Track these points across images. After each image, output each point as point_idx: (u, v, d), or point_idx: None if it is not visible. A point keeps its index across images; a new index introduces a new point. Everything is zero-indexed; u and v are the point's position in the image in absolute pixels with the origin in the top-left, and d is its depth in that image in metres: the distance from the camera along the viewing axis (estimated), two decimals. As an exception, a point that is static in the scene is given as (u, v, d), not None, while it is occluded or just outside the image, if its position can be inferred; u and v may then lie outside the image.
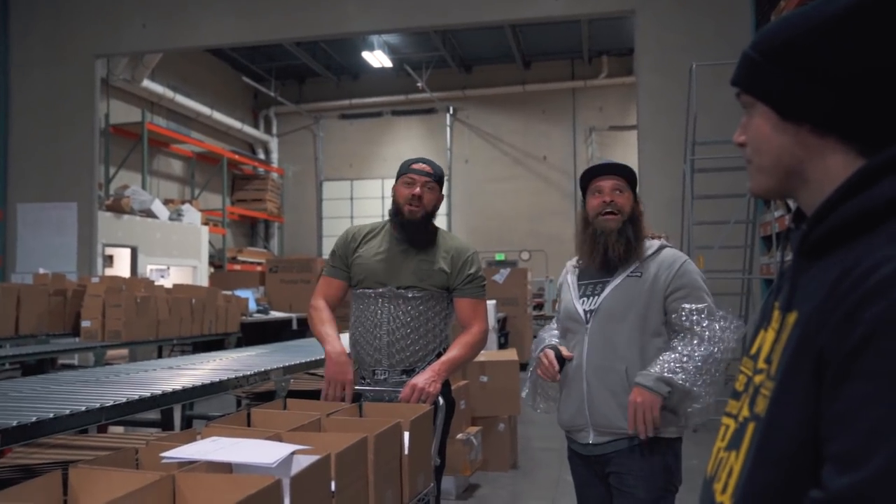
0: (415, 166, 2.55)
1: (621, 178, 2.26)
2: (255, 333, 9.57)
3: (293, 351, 4.83)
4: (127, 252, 12.38)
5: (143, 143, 14.37)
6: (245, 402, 4.55)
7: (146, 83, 14.74)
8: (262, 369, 3.49)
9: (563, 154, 19.78)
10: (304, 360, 3.94)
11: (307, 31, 10.38)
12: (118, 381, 3.08)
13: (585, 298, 2.26)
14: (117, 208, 11.77)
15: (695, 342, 2.12)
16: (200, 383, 3.04)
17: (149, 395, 2.70)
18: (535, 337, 2.50)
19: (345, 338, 2.61)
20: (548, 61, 19.22)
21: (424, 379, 2.34)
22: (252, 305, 9.86)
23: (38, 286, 7.17)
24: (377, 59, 16.86)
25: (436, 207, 2.57)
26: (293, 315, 10.29)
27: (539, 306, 14.99)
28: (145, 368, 3.73)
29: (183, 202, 15.03)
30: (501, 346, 8.45)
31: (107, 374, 3.41)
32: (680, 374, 2.08)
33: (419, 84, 18.39)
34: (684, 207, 6.90)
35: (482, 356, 4.85)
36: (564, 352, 2.25)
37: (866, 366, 0.71)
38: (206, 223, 15.05)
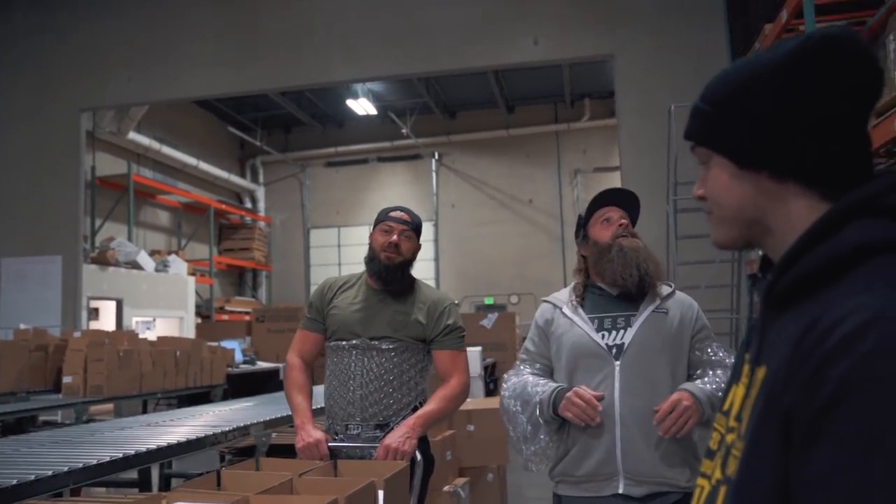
0: (392, 214, 2.54)
1: (626, 212, 2.29)
2: (242, 385, 9.42)
3: (278, 402, 4.74)
4: (112, 305, 12.25)
5: (130, 195, 14.36)
6: (228, 458, 4.45)
7: (132, 135, 14.78)
8: (241, 424, 3.41)
9: (549, 197, 19.89)
10: (286, 414, 3.86)
11: (292, 80, 10.46)
12: (93, 441, 3.00)
13: (605, 332, 2.15)
14: (102, 260, 11.70)
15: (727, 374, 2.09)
16: (177, 441, 2.96)
17: (121, 455, 2.63)
18: (509, 384, 2.31)
19: (319, 390, 2.56)
20: (531, 105, 19.45)
21: (398, 437, 2.27)
22: (238, 356, 9.74)
23: (18, 342, 7.06)
24: (362, 106, 17.03)
25: (413, 256, 2.55)
26: (280, 365, 10.17)
27: (529, 349, 14.83)
28: (124, 426, 3.64)
29: (169, 253, 14.96)
30: (490, 392, 8.35)
31: (82, 434, 3.32)
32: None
33: (404, 130, 18.55)
34: (668, 247, 6.92)
35: (469, 404, 4.78)
36: (589, 392, 2.09)
37: (836, 429, 0.68)
38: (192, 273, 14.97)
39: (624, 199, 2.30)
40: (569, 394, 2.09)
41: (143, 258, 12.80)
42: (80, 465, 2.42)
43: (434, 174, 20.18)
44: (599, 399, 2.08)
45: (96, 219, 14.04)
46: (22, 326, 8.03)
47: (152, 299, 12.86)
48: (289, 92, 17.39)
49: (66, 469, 2.34)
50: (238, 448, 4.09)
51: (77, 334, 7.07)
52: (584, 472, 2.11)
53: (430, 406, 2.41)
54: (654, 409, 2.05)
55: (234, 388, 9.08)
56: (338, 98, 17.51)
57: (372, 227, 2.58)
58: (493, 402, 4.86)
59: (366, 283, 2.54)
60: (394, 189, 20.22)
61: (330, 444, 2.33)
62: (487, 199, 19.92)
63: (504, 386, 2.33)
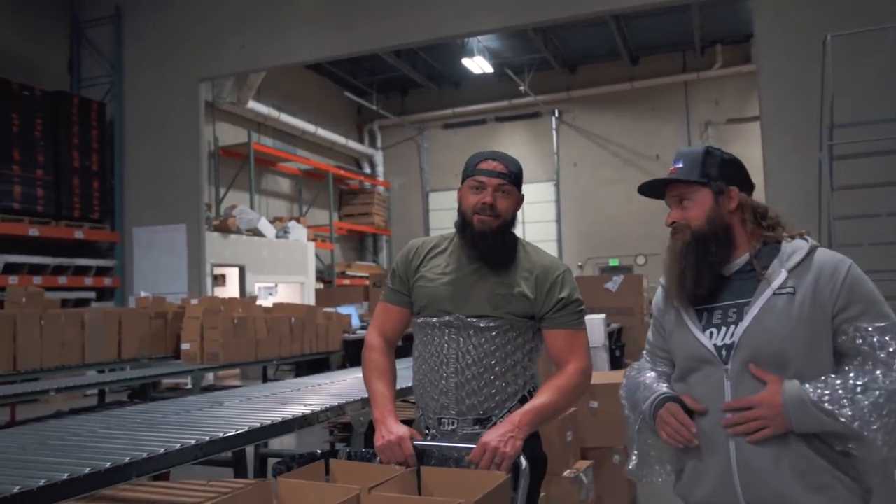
0: (483, 165, 2.02)
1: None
2: (358, 350, 9.30)
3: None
4: (236, 271, 12.54)
5: (251, 163, 14.63)
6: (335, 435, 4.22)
7: (251, 104, 15.00)
8: (336, 403, 3.10)
9: (678, 152, 18.70)
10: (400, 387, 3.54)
11: (402, 38, 10.13)
12: (179, 423, 2.78)
13: (714, 330, 1.66)
14: (224, 228, 11.94)
15: (877, 372, 1.50)
16: (263, 423, 2.68)
17: (207, 439, 2.38)
18: (624, 383, 1.89)
19: (408, 374, 2.15)
20: (657, 55, 18.25)
21: (499, 435, 1.81)
22: (355, 322, 9.65)
23: (139, 310, 7.19)
24: (478, 65, 16.52)
25: (514, 215, 2.05)
26: (397, 330, 10.00)
27: (657, 314, 14.04)
28: (223, 399, 3.44)
29: (291, 219, 15.18)
30: (615, 363, 7.79)
31: (176, 410, 3.13)
32: (847, 409, 1.47)
33: (522, 88, 17.89)
34: (822, 201, 6.07)
35: (592, 377, 4.31)
36: (690, 402, 1.67)
37: None
38: (313, 239, 15.13)
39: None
40: (661, 411, 1.70)
41: (264, 225, 12.99)
42: (162, 450, 2.22)
43: (554, 132, 19.43)
44: (701, 414, 1.64)
45: (220, 188, 14.40)
46: (142, 294, 8.23)
47: (273, 265, 13.07)
48: (403, 53, 17.16)
49: (127, 460, 2.08)
50: (343, 423, 3.83)
51: (194, 301, 7.11)
52: (698, 499, 1.68)
53: (542, 398, 1.90)
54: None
55: (351, 354, 8.98)
56: (453, 57, 17.07)
57: (461, 179, 2.06)
58: (618, 376, 4.35)
59: (459, 249, 2.06)
60: (513, 149, 19.63)
61: (416, 442, 1.92)
62: (611, 157, 19.00)
63: (623, 381, 1.91)
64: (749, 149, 18.21)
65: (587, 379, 2.00)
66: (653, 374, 1.82)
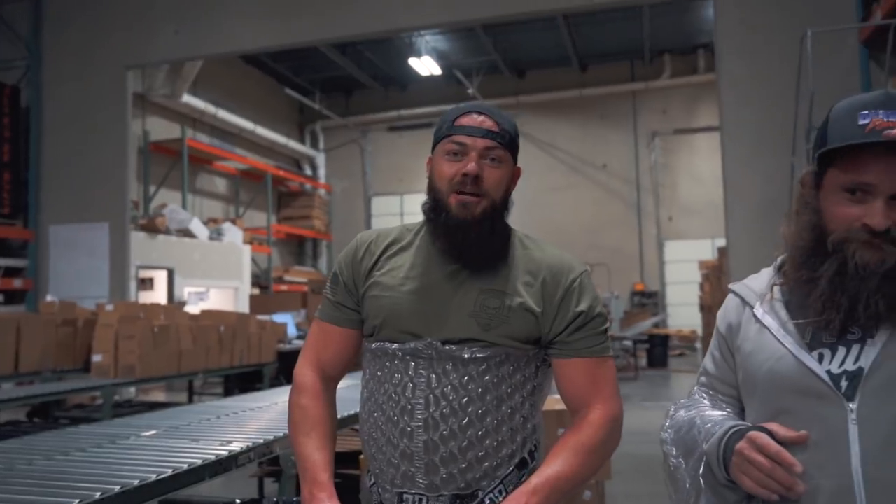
0: (464, 120, 1.39)
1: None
2: (293, 363, 8.65)
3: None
4: (164, 275, 11.69)
5: (184, 161, 13.80)
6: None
7: (186, 98, 14.16)
8: (262, 440, 2.51)
9: (625, 161, 18.60)
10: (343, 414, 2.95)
11: (345, 30, 9.54)
12: (49, 473, 2.15)
13: (826, 351, 1.14)
14: (152, 228, 11.10)
15: None
16: (161, 474, 2.07)
17: (97, 497, 1.77)
18: (669, 425, 1.31)
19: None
20: (606, 63, 18.10)
21: None
22: (291, 331, 8.98)
23: (43, 316, 6.39)
24: (425, 66, 16.04)
25: (508, 194, 1.44)
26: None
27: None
28: (119, 434, 2.80)
29: (226, 221, 14.38)
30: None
31: (59, 448, 2.49)
32: None
33: (470, 91, 17.46)
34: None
35: (559, 402, 3.79)
36: (784, 431, 1.12)
37: None
38: (249, 242, 14.36)
39: None
40: (740, 444, 1.12)
41: (196, 226, 12.19)
42: None
43: (501, 138, 19.05)
44: (802, 443, 1.10)
45: (150, 185, 13.52)
46: (49, 298, 7.41)
47: (206, 269, 12.26)
48: (348, 51, 16.55)
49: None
50: (271, 465, 3.22)
51: (109, 307, 6.36)
52: None
53: (557, 465, 1.29)
54: None
55: (286, 367, 8.31)
56: (400, 57, 16.54)
57: (432, 145, 1.44)
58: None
59: (429, 244, 1.43)
60: (458, 154, 19.22)
61: None
62: (558, 164, 18.73)
63: (666, 422, 1.33)
64: (695, 160, 18.25)
65: (618, 430, 1.40)
66: (709, 412, 1.27)
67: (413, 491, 1.34)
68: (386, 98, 19.47)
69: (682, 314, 17.39)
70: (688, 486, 1.22)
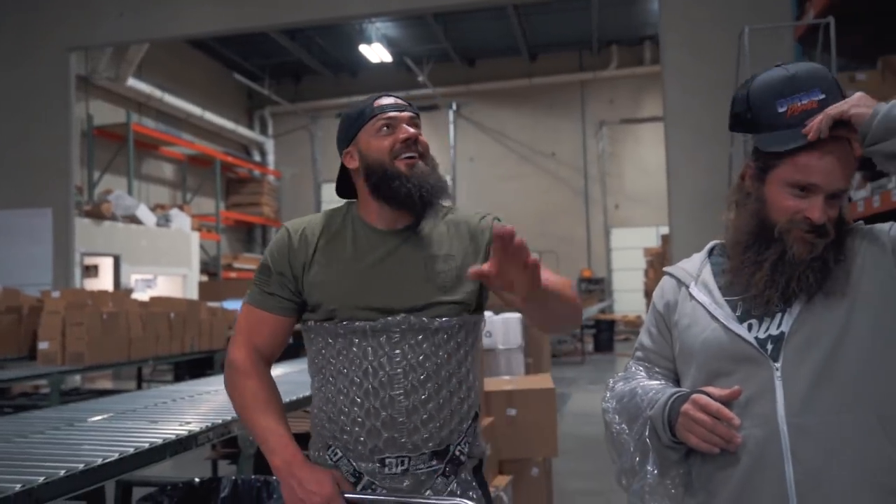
0: (383, 101, 1.54)
1: (844, 159, 1.29)
2: (245, 349, 8.66)
3: (285, 378, 3.92)
4: (110, 262, 11.48)
5: (130, 146, 13.53)
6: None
7: (132, 82, 13.87)
8: (221, 420, 2.57)
9: (573, 150, 18.90)
10: (293, 398, 3.02)
11: (297, 16, 9.48)
12: (36, 442, 2.18)
13: (754, 322, 1.31)
14: (98, 214, 10.89)
15: None
16: (123, 452, 2.13)
17: (62, 474, 1.81)
18: (610, 396, 1.45)
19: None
20: (555, 52, 18.32)
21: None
22: (242, 318, 8.94)
23: (-14, 303, 6.27)
24: (376, 53, 16.01)
25: (434, 160, 1.58)
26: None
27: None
28: (78, 417, 2.83)
29: (174, 207, 14.16)
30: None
31: (17, 432, 2.52)
32: None
33: (420, 79, 17.51)
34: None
35: (509, 383, 3.94)
36: (720, 391, 1.26)
37: None
38: (197, 229, 14.18)
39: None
40: (685, 406, 1.26)
41: (143, 212, 12.00)
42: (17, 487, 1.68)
43: (452, 126, 19.16)
44: (736, 399, 1.26)
45: (94, 171, 13.24)
46: (-7, 285, 7.24)
47: (153, 256, 12.08)
48: (298, 37, 16.40)
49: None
50: (226, 447, 3.27)
51: (55, 294, 6.27)
52: None
53: (550, 277, 1.36)
54: (851, 425, 1.22)
55: (237, 354, 8.32)
56: (350, 44, 16.47)
57: (347, 138, 1.57)
58: (538, 382, 4.02)
59: (362, 224, 1.55)
60: (409, 142, 19.27)
61: (349, 495, 1.42)
62: (508, 153, 18.93)
63: (607, 394, 1.47)
64: (640, 149, 18.65)
65: (580, 309, 1.51)
66: (654, 382, 1.42)
67: (395, 454, 1.46)
68: (336, 84, 19.36)
69: (628, 300, 17.82)
70: (632, 449, 1.35)
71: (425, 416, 1.46)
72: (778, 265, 1.27)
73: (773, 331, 1.29)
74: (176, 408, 2.98)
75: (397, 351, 1.46)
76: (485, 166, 18.86)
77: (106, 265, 11.75)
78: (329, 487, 1.40)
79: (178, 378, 7.84)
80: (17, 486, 1.75)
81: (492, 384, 3.79)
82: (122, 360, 6.35)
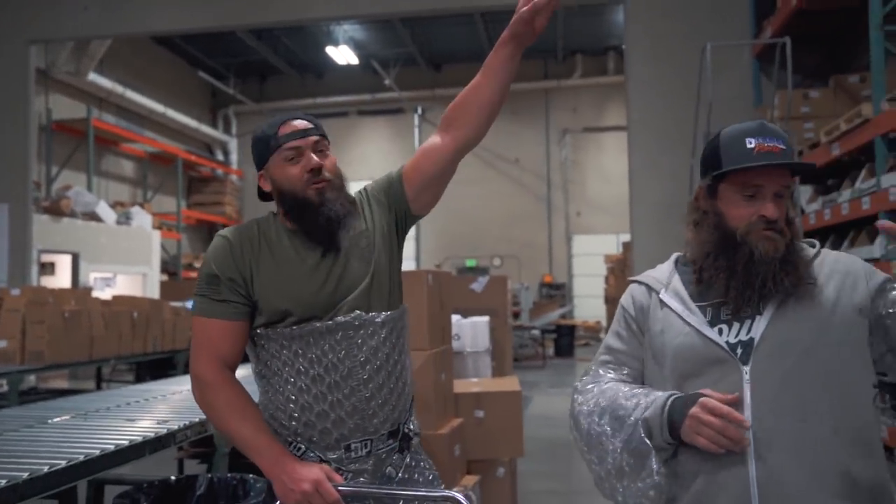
0: (286, 129, 1.62)
1: (787, 176, 1.45)
2: (208, 350, 8.59)
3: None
4: (68, 259, 11.28)
5: (90, 141, 13.30)
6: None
7: (93, 77, 13.64)
8: (197, 419, 2.60)
9: (536, 156, 19.12)
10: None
11: (265, 17, 9.46)
12: (7, 443, 2.19)
13: (724, 326, 1.42)
14: (56, 210, 10.70)
15: None
16: (104, 448, 2.15)
17: (25, 477, 1.82)
18: (584, 399, 1.52)
19: None
20: (520, 60, 18.44)
21: None
22: (205, 318, 8.87)
23: (-58, 300, 6.14)
24: (342, 55, 16.01)
25: (342, 174, 1.69)
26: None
27: (516, 315, 14.21)
28: (47, 415, 2.82)
29: (134, 205, 13.96)
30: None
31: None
32: None
33: (387, 82, 17.55)
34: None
35: (477, 385, 4.03)
36: (719, 396, 1.36)
37: None
38: (158, 227, 14.00)
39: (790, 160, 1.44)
40: (694, 409, 1.34)
41: (103, 209, 11.81)
42: None
43: (416, 130, 19.24)
44: (733, 405, 1.34)
45: (52, 166, 12.99)
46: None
47: (113, 254, 11.90)
48: (265, 36, 16.32)
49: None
50: (194, 446, 3.28)
51: (15, 292, 6.17)
52: None
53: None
54: (813, 431, 1.33)
55: (200, 354, 8.25)
56: (317, 45, 16.44)
57: (259, 162, 1.67)
58: (505, 384, 4.11)
59: (289, 240, 1.64)
60: (374, 144, 19.29)
61: (341, 487, 1.50)
62: (472, 158, 18.87)
63: (578, 397, 1.54)
64: (602, 156, 18.95)
65: None
66: (630, 386, 1.50)
67: (360, 439, 1.58)
68: (302, 85, 19.29)
69: (588, 306, 18.07)
70: (619, 449, 1.40)
71: (380, 401, 1.59)
72: (750, 266, 1.38)
73: (743, 336, 1.39)
74: (150, 406, 2.99)
75: (353, 345, 1.57)
76: (449, 171, 18.95)
77: (63, 263, 11.54)
78: (317, 472, 1.49)
79: (140, 378, 7.76)
80: (2, 482, 1.77)
81: (460, 386, 3.87)
82: (84, 359, 6.28)
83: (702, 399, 1.35)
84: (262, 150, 1.64)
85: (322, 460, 1.58)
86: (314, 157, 1.59)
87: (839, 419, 1.34)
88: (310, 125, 1.63)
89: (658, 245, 7.18)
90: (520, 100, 18.76)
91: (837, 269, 1.44)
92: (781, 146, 1.41)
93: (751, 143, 1.41)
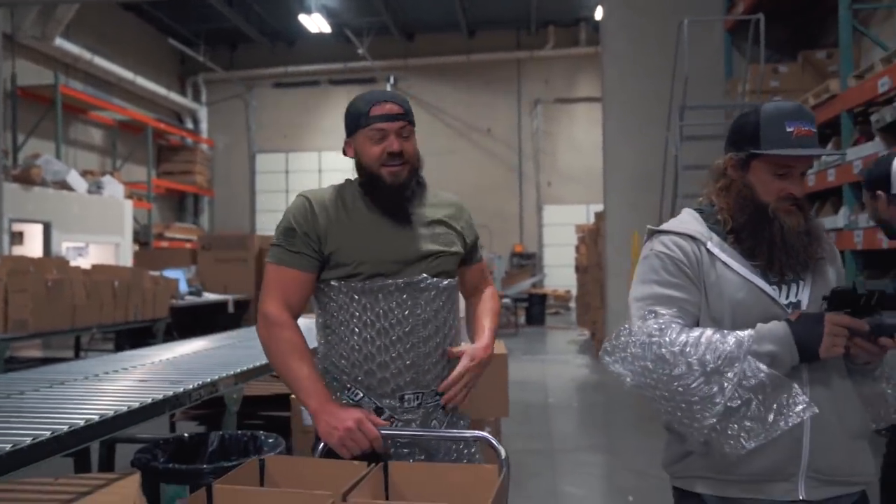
0: (378, 110, 1.76)
1: (813, 158, 1.65)
2: (187, 319, 8.66)
3: (242, 344, 4.06)
4: (39, 228, 11.17)
5: (57, 109, 13.10)
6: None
7: (59, 42, 13.40)
8: (207, 380, 2.72)
9: (508, 127, 19.22)
10: (260, 363, 3.17)
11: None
12: (15, 409, 2.28)
13: (776, 287, 1.56)
14: (26, 179, 10.57)
15: None
16: (131, 405, 2.26)
17: (49, 434, 1.92)
18: (679, 351, 1.45)
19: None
20: (493, 30, 18.53)
21: (483, 346, 1.83)
22: (183, 287, 8.93)
23: (-77, 269, 6.11)
24: (315, 23, 15.84)
25: (420, 157, 1.85)
26: (229, 297, 9.41)
27: (488, 285, 14.36)
28: (50, 377, 2.91)
29: (103, 174, 13.80)
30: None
31: (6, 388, 2.60)
32: None
33: (359, 51, 17.46)
34: (665, 180, 6.36)
35: (465, 348, 4.18)
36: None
37: None
38: (129, 197, 13.88)
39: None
40: (826, 327, 1.43)
41: (74, 178, 11.69)
42: (8, 446, 1.77)
43: (389, 99, 19.17)
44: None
45: (18, 133, 12.77)
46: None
47: (84, 223, 11.80)
48: (236, 2, 16.11)
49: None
50: (195, 410, 3.39)
51: (-4, 261, 6.17)
52: (754, 469, 1.50)
53: (488, 323, 1.91)
54: (850, 392, 1.57)
55: (179, 323, 8.31)
56: (289, 12, 16.27)
57: (348, 132, 1.82)
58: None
59: (365, 204, 1.81)
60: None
61: (384, 431, 1.65)
62: (444, 128, 19.10)
63: (661, 339, 1.46)
64: (573, 127, 19.12)
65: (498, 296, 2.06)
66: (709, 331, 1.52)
67: (413, 391, 1.75)
68: (273, 53, 19.09)
69: (559, 275, 18.35)
70: (732, 387, 1.42)
71: (435, 359, 1.77)
72: (787, 238, 1.54)
73: (793, 298, 1.56)
74: (156, 369, 3.10)
75: (417, 305, 1.75)
76: (421, 140, 17.95)
77: (32, 232, 11.42)
78: (359, 413, 1.64)
79: (119, 347, 7.80)
80: (28, 440, 1.88)
81: (448, 350, 4.02)
82: (66, 327, 6.32)
83: (829, 315, 1.44)
84: (353, 123, 1.80)
85: (377, 406, 1.74)
86: (396, 141, 1.75)
87: (861, 376, 1.57)
88: (400, 111, 1.78)
89: (631, 215, 7.38)
90: (492, 70, 18.81)
91: (832, 251, 1.68)
92: (814, 129, 1.56)
93: (790, 128, 1.54)
